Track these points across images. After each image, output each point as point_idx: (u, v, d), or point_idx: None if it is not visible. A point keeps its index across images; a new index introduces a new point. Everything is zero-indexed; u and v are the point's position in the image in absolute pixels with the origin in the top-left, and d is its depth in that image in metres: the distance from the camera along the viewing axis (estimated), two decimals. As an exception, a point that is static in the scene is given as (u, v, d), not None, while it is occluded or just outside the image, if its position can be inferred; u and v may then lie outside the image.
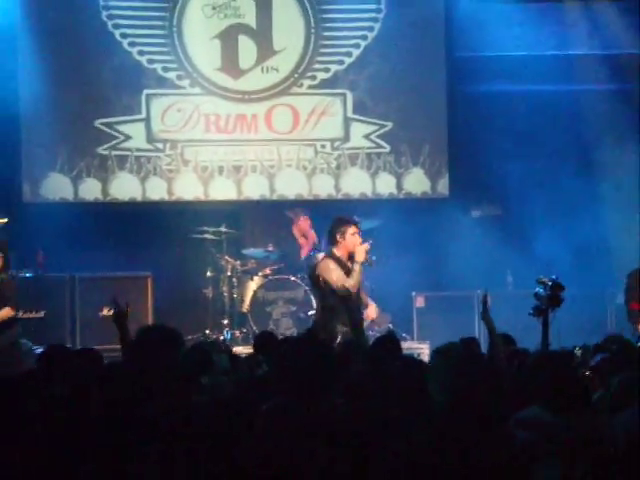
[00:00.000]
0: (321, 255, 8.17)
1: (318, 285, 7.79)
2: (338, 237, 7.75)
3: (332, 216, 10.76)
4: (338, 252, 7.79)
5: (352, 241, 7.73)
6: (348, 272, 7.69)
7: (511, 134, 10.82)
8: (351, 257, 7.74)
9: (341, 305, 7.22)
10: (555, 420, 4.27)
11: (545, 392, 4.36)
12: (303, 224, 10.80)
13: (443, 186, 11.32)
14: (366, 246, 7.67)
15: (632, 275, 8.06)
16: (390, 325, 10.39)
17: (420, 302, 10.55)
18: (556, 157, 10.71)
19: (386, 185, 11.38)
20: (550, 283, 6.53)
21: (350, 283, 7.58)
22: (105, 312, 9.55)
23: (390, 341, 5.97)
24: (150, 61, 11.21)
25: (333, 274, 7.65)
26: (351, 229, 7.75)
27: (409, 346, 10.10)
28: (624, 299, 8.05)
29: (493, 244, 10.59)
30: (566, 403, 4.31)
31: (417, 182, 11.35)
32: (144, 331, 4.50)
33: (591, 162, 10.78)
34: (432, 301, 10.50)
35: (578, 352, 6.32)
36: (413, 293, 10.56)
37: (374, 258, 7.73)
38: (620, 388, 5.00)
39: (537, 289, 6.68)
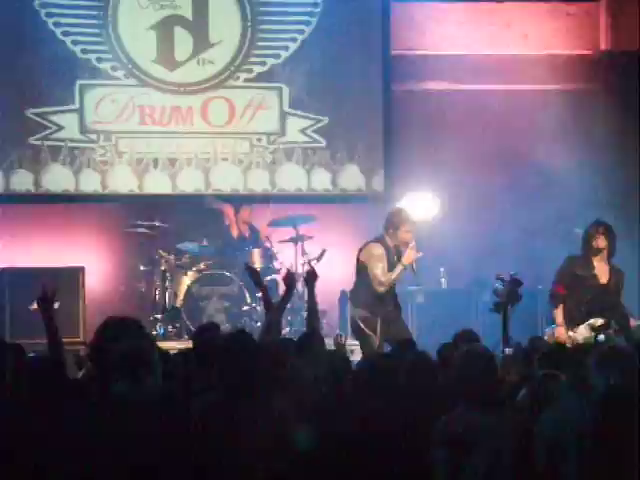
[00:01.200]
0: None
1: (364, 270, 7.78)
2: (391, 229, 7.77)
3: (268, 211, 10.96)
4: (389, 241, 7.81)
5: (403, 238, 7.75)
6: (390, 264, 7.73)
7: (446, 132, 10.89)
8: (398, 252, 7.78)
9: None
10: (480, 419, 4.34)
11: (469, 391, 4.43)
12: (244, 214, 10.85)
13: (378, 183, 11.36)
14: (417, 253, 7.69)
15: (570, 259, 8.08)
16: (324, 322, 10.42)
17: (354, 298, 10.54)
18: (490, 155, 10.81)
19: (321, 181, 11.38)
20: (508, 279, 6.60)
21: (387, 279, 7.67)
22: (35, 306, 9.41)
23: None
24: (84, 51, 11.06)
25: (378, 267, 7.67)
26: (406, 226, 7.75)
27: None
28: (553, 280, 8.10)
29: (427, 240, 10.63)
30: (489, 402, 4.39)
31: (352, 178, 11.38)
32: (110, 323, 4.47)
33: (524, 160, 10.88)
34: (366, 298, 10.49)
35: (509, 351, 6.39)
36: (347, 290, 10.56)
37: (414, 266, 7.72)
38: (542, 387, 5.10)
39: (496, 285, 6.74)
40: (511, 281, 6.77)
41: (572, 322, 7.82)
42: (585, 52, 11.24)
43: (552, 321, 7.92)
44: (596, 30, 11.33)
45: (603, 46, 11.34)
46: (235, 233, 10.95)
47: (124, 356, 4.03)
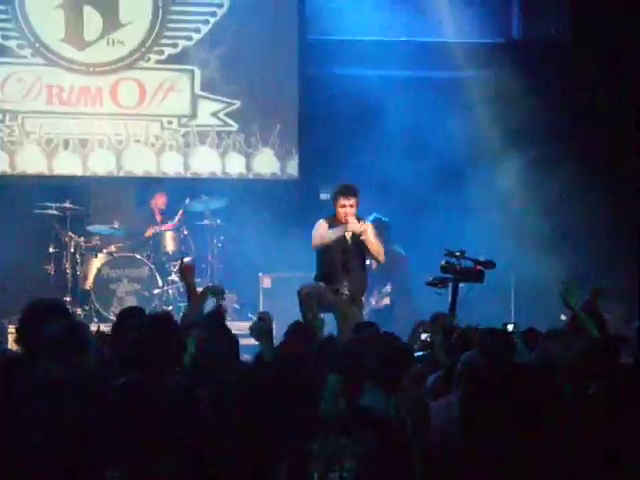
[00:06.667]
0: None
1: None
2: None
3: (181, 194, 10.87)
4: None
5: (338, 213, 8.08)
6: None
7: (361, 118, 10.92)
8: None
9: None
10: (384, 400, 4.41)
11: (375, 372, 4.50)
12: (159, 201, 10.74)
13: (292, 168, 11.36)
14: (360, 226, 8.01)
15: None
16: (236, 305, 10.42)
17: (267, 283, 10.59)
18: (404, 140, 10.86)
19: (235, 165, 11.34)
20: (481, 259, 6.74)
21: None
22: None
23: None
24: (-12, 28, 10.81)
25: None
26: (339, 201, 8.04)
27: (256, 326, 10.09)
28: None
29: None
30: (392, 383, 4.45)
31: (266, 163, 11.36)
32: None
33: (437, 147, 10.96)
34: (278, 282, 10.53)
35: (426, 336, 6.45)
36: (260, 274, 10.57)
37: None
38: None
39: (446, 260, 6.83)
40: (485, 263, 6.92)
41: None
42: (498, 40, 11.42)
43: None
44: (509, 19, 11.55)
45: (515, 34, 11.56)
46: (158, 218, 10.87)
47: (55, 336, 4.00)
